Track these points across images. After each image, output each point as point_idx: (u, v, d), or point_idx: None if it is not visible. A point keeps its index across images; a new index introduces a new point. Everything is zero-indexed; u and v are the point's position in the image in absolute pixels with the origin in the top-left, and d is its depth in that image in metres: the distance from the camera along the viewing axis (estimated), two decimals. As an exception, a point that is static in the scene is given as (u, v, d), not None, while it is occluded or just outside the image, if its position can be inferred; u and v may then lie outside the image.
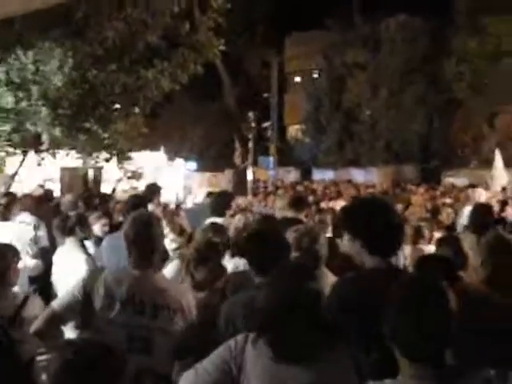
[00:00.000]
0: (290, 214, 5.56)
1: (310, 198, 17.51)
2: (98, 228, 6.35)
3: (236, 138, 30.21)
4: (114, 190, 14.03)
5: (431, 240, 7.72)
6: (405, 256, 6.34)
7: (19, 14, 6.71)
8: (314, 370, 2.22)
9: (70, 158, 12.74)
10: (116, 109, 12.28)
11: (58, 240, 5.54)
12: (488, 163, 22.30)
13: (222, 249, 4.04)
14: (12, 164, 12.29)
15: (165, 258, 4.51)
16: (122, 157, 13.13)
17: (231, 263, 4.38)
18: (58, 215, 6.08)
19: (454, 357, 1.98)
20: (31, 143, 11.54)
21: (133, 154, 13.66)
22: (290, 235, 3.72)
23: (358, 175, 28.21)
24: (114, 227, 6.38)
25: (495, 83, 24.59)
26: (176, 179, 17.72)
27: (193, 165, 21.80)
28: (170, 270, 4.32)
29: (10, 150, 11.46)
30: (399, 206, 15.76)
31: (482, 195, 12.82)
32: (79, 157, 12.63)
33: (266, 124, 34.99)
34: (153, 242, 3.22)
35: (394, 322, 1.91)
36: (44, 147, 11.71)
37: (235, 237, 4.98)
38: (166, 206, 9.13)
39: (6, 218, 6.62)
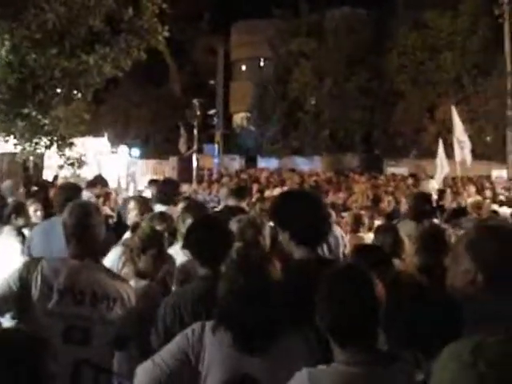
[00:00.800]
0: (231, 202, 5.57)
1: (254, 186, 17.70)
2: (32, 215, 6.15)
3: (181, 125, 29.97)
4: (55, 177, 13.70)
5: (371, 228, 7.92)
6: (345, 244, 6.47)
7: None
8: (273, 358, 2.25)
9: (8, 144, 12.35)
10: (57, 94, 11.94)
11: (-5, 228, 5.37)
12: (427, 154, 23.02)
13: (167, 237, 4.02)
14: None
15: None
16: (63, 143, 12.79)
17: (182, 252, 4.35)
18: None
19: (387, 342, 2.08)
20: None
21: (75, 141, 13.34)
22: (234, 225, 3.74)
23: (302, 164, 28.55)
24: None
25: (435, 76, 25.32)
26: (119, 166, 17.46)
27: (137, 152, 21.47)
28: (110, 257, 4.27)
29: None
30: (342, 195, 16.14)
31: (434, 186, 13.24)
32: (17, 143, 12.24)
33: (211, 111, 34.85)
34: (92, 232, 3.17)
35: (322, 310, 1.98)
36: (-19, 132, 11.32)
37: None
38: (107, 194, 8.99)
39: None
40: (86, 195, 6.36)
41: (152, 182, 8.73)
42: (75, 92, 12.20)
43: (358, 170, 23.80)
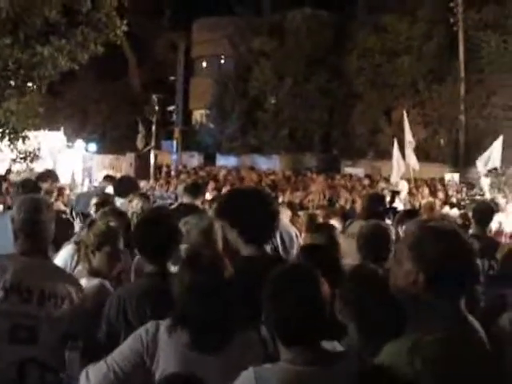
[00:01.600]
0: (186, 199, 5.56)
1: (212, 184, 17.67)
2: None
3: (139, 121, 29.65)
4: (8, 171, 13.39)
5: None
6: (300, 243, 6.53)
7: None
8: (229, 356, 2.25)
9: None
10: (10, 86, 11.65)
11: None
12: (384, 155, 23.42)
13: (122, 234, 3.97)
14: None
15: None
16: (15, 136, 12.49)
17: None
18: None
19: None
20: None
21: (29, 134, 13.04)
22: (183, 226, 3.71)
23: (261, 162, 28.63)
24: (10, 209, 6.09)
25: (393, 79, 25.76)
26: (75, 161, 17.20)
27: (93, 147, 21.14)
28: (62, 255, 4.21)
29: None
30: (299, 194, 16.29)
31: (404, 187, 13.49)
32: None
33: (170, 108, 34.57)
34: (41, 228, 3.10)
35: (268, 309, 2.00)
36: None
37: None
38: (61, 189, 8.85)
39: None
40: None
41: (107, 178, 8.63)
42: (29, 84, 11.92)
43: (315, 170, 24.02)
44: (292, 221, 8.38)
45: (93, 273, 3.47)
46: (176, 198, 10.79)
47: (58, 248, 4.30)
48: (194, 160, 30.72)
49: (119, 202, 6.03)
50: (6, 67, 11.06)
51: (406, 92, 25.15)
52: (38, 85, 11.87)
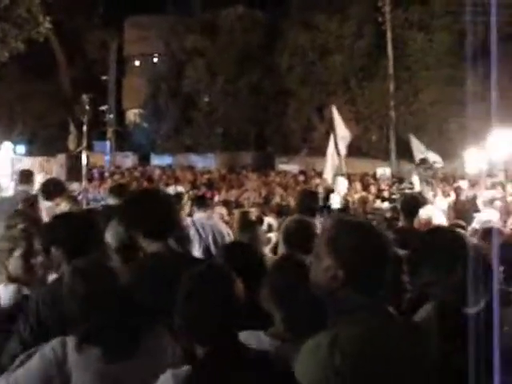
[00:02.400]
0: (111, 201, 5.46)
1: (147, 184, 17.45)
2: None
3: (70, 122, 28.89)
4: None
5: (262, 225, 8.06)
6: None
7: None
8: (142, 360, 2.21)
9: None
10: None
11: None
12: (317, 151, 23.80)
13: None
14: None
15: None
16: None
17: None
18: None
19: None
20: None
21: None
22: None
23: (196, 161, 28.51)
24: None
25: (324, 77, 26.21)
26: (2, 164, 16.58)
27: (22, 149, 20.46)
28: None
29: None
30: (234, 192, 16.32)
31: (343, 184, 13.65)
32: None
33: (103, 107, 33.88)
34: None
35: (181, 309, 2.00)
36: None
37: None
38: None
39: None
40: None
41: (24, 179, 8.23)
42: None
43: (251, 168, 24.12)
44: (228, 219, 8.40)
45: (11, 279, 3.35)
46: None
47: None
48: (129, 160, 30.23)
49: (46, 205, 5.86)
50: None
51: (337, 89, 25.65)
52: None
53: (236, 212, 8.09)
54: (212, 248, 6.11)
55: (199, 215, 6.51)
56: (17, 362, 2.22)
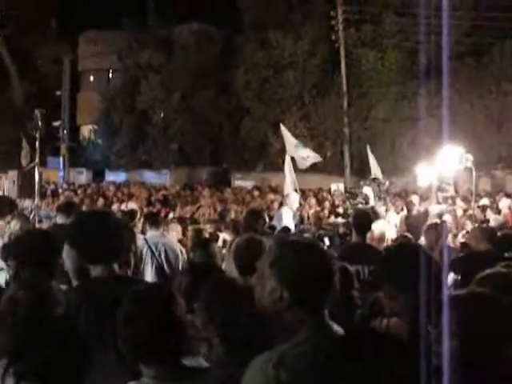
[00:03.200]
0: (60, 219, 5.39)
1: (101, 201, 17.19)
2: None
3: (23, 137, 28.30)
4: None
5: (216, 241, 8.05)
6: (185, 259, 6.53)
7: None
8: None
9: None
10: None
11: None
12: (273, 167, 23.97)
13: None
14: None
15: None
16: None
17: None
18: None
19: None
20: None
21: None
22: None
23: (151, 177, 28.27)
24: None
25: (279, 93, 26.49)
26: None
27: (-29, 165, 19.90)
28: None
29: None
30: (189, 208, 16.23)
31: (296, 198, 13.67)
32: None
33: (56, 123, 33.33)
34: None
35: (121, 333, 1.99)
36: None
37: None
38: None
39: None
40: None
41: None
42: None
43: (207, 184, 24.07)
44: (183, 236, 8.36)
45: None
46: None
47: None
48: (83, 177, 29.78)
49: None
50: None
51: (292, 106, 25.94)
52: None
53: (190, 229, 8.08)
54: (165, 266, 6.07)
55: (152, 233, 6.46)
56: None
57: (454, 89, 21.54)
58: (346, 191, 20.27)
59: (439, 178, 15.93)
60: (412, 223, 11.47)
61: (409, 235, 7.44)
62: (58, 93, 33.49)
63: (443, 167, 14.89)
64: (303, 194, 17.06)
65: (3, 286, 3.72)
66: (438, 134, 17.75)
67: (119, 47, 30.70)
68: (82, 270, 2.89)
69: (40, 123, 22.51)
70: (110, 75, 34.46)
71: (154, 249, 6.07)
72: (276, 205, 14.86)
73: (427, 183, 16.09)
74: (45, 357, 1.92)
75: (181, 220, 11.43)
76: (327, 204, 16.91)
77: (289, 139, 14.91)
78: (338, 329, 2.07)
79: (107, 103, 30.28)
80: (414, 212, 12.67)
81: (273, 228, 8.72)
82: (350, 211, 13.93)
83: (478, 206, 14.58)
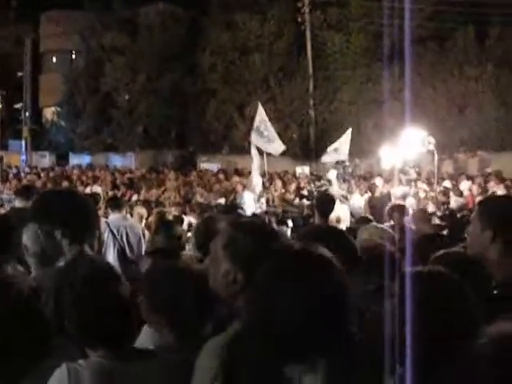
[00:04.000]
0: (18, 203, 5.30)
1: (65, 184, 16.99)
2: None
3: (-17, 120, 27.70)
4: None
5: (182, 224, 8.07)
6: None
7: None
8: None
9: None
10: None
11: None
12: (238, 150, 23.96)
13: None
14: None
15: None
16: None
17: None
18: None
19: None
20: None
21: None
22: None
23: (116, 160, 27.98)
24: None
25: (245, 76, 26.40)
26: None
27: None
28: None
29: None
30: (155, 191, 16.19)
31: (259, 181, 13.70)
32: None
33: (18, 105, 32.61)
34: None
35: (69, 316, 1.99)
36: None
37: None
38: None
39: None
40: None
41: None
42: None
43: (172, 167, 23.97)
44: (147, 219, 8.35)
45: None
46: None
47: None
48: (46, 160, 29.28)
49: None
50: None
51: (258, 88, 25.88)
52: None
53: (154, 212, 8.08)
54: (127, 249, 6.06)
55: (114, 216, 6.43)
56: None
57: (417, 72, 21.80)
58: (311, 174, 20.47)
59: (402, 161, 16.19)
60: (375, 205, 11.65)
61: (370, 217, 7.57)
62: (20, 74, 32.75)
63: (406, 150, 15.13)
64: (270, 177, 17.14)
65: None
66: (402, 116, 18.02)
67: (82, 28, 30.05)
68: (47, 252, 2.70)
69: (0, 105, 22.03)
70: (73, 56, 33.77)
71: (115, 232, 6.05)
72: (240, 187, 14.92)
73: (391, 166, 16.31)
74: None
75: (146, 203, 11.40)
76: (292, 187, 17.05)
77: (263, 118, 14.72)
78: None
79: (70, 85, 29.66)
80: (377, 194, 12.85)
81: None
82: (315, 193, 14.08)
83: (441, 189, 14.90)
